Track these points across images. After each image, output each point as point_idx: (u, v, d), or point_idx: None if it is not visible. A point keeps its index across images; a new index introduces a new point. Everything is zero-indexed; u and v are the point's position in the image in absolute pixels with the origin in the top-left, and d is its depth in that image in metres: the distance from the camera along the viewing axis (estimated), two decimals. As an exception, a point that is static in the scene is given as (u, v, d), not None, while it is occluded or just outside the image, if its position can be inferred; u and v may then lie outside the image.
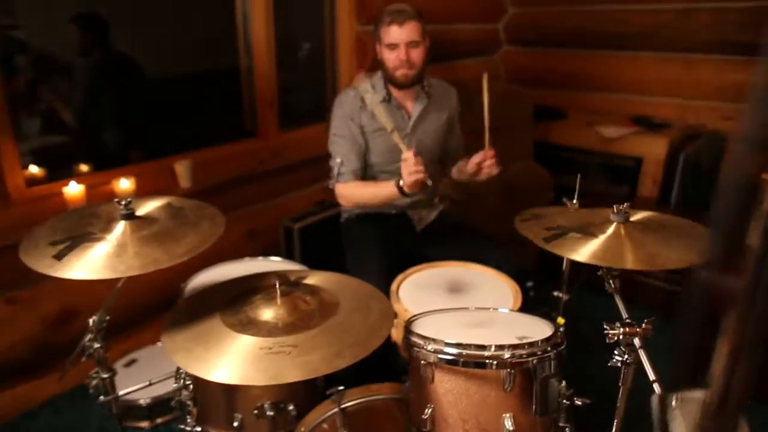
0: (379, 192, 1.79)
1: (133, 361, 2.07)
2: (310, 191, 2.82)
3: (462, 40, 3.58)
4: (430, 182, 1.58)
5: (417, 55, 1.79)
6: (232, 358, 0.90)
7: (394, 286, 1.51)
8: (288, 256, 2.70)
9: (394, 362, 1.57)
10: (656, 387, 0.76)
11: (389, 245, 1.90)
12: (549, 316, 1.57)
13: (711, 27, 3.29)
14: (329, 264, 2.74)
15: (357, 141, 1.88)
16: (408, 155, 1.57)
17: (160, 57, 2.50)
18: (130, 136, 2.53)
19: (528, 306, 1.43)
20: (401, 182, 1.63)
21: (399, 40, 1.76)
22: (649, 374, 0.78)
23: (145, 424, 1.85)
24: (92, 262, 0.94)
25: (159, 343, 2.19)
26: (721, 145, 3.29)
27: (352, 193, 1.88)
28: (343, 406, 1.23)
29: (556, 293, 1.56)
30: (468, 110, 2.14)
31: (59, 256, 0.95)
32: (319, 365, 0.87)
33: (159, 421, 1.86)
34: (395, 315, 1.40)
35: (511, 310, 1.35)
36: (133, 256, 0.95)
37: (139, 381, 1.80)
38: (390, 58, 1.81)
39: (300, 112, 3.03)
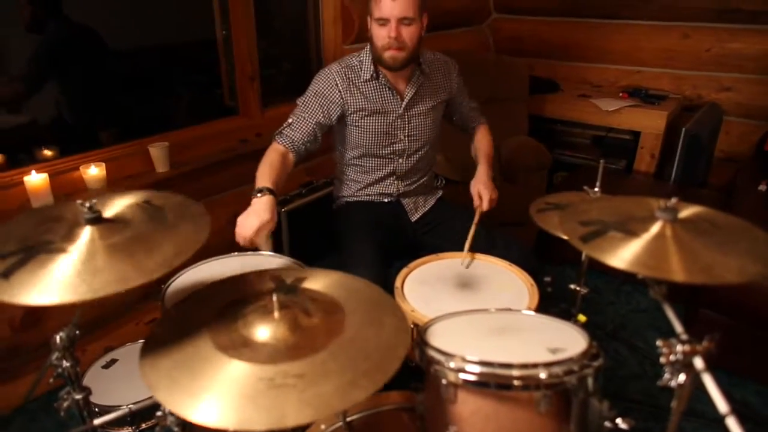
0: (257, 179, 1.58)
1: (113, 362, 1.91)
2: (296, 171, 2.66)
3: (449, 9, 3.38)
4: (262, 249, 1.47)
5: (410, 34, 1.58)
6: (225, 391, 0.75)
7: (398, 282, 1.38)
8: (275, 242, 2.56)
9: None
10: (732, 423, 0.63)
11: (383, 235, 1.76)
12: (568, 314, 1.47)
13: (709, -7, 3.16)
14: (321, 251, 2.62)
15: (311, 122, 1.69)
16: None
17: (129, 28, 2.29)
18: (98, 116, 2.32)
19: (544, 301, 1.32)
20: (256, 197, 1.47)
21: (390, 15, 1.54)
22: (719, 405, 0.65)
23: (127, 430, 1.71)
24: (49, 281, 0.77)
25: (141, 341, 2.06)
26: (720, 118, 3.20)
27: (265, 158, 1.64)
28: (348, 419, 1.12)
29: (572, 286, 1.45)
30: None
31: (6, 274, 0.76)
32: (333, 399, 0.73)
33: (143, 426, 1.73)
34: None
35: (530, 308, 1.24)
36: (97, 272, 0.78)
37: (119, 387, 1.66)
38: (379, 35, 1.59)
39: (283, 88, 2.84)
